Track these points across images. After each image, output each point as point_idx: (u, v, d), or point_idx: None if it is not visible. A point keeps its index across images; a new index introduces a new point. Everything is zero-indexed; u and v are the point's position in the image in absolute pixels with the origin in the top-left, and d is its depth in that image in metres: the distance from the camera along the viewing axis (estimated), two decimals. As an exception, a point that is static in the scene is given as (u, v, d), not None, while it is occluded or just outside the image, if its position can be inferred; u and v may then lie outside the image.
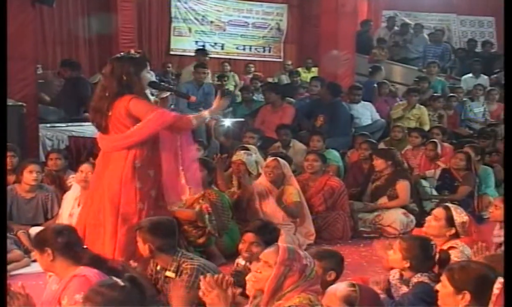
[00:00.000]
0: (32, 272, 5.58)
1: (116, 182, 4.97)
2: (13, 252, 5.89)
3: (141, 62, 5.13)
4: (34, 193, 6.59)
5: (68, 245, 3.85)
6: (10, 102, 7.22)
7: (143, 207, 4.96)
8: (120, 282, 3.16)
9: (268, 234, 4.65)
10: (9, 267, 5.42)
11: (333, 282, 4.04)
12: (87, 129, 9.22)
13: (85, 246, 4.07)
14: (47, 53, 12.26)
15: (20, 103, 7.80)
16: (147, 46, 14.41)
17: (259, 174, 7.20)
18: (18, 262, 5.89)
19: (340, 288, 3.27)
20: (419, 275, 4.09)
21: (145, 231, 4.46)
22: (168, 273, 4.44)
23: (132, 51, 6.20)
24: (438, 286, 3.38)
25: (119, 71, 4.96)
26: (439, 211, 4.84)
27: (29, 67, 8.50)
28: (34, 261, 5.51)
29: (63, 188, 6.92)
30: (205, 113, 5.22)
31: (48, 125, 9.04)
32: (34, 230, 5.78)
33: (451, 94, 12.13)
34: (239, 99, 12.30)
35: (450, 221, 4.74)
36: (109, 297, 3.05)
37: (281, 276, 3.20)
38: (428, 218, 4.91)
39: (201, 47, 13.77)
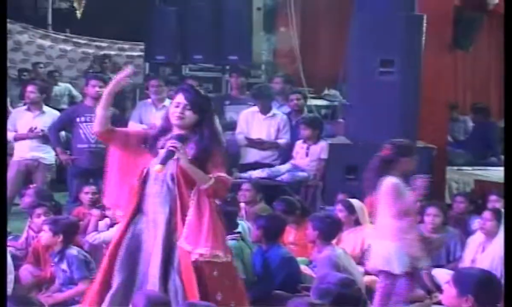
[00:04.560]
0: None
1: None
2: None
3: None
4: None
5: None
6: (420, 144, 7.51)
7: None
8: None
9: None
10: None
11: None
12: (493, 174, 9.15)
13: None
14: (457, 98, 12.34)
15: (430, 145, 8.04)
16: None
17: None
18: None
19: None
20: None
21: None
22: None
23: None
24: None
25: None
26: None
27: (441, 111, 8.74)
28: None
29: (467, 232, 6.87)
30: None
31: (455, 168, 9.21)
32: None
33: None
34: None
35: None
36: None
37: None
38: None
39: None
